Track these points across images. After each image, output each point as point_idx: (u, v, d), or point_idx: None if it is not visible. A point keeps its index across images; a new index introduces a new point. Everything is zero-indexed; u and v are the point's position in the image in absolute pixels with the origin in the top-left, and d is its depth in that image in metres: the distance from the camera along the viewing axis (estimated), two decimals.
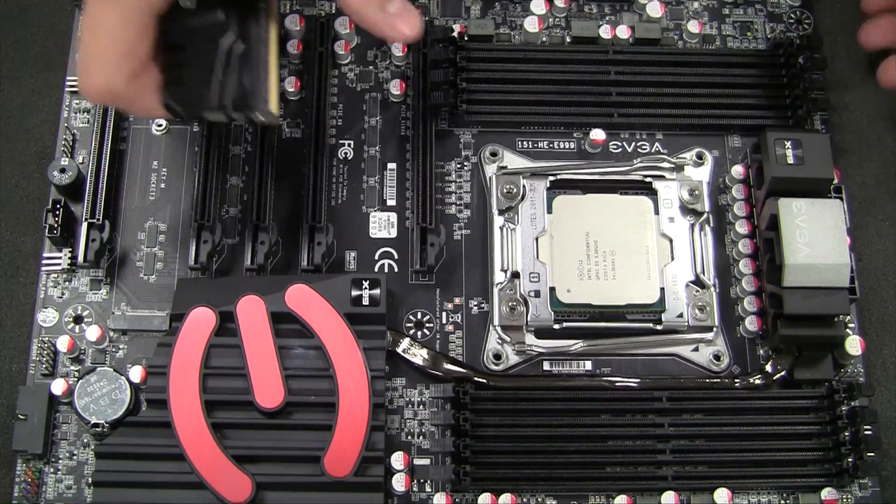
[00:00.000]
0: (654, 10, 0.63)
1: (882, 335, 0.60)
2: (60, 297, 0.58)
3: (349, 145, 0.61)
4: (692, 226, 0.59)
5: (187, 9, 0.49)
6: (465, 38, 0.62)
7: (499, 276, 0.58)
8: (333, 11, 0.63)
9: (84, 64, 0.50)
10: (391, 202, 0.60)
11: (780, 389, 0.57)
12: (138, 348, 0.57)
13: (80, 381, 0.55)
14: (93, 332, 0.56)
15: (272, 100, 0.51)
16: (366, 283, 0.55)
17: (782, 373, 0.57)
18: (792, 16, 0.65)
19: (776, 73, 0.62)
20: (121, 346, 0.57)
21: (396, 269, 0.59)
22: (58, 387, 0.55)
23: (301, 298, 0.54)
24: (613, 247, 0.58)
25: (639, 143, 0.62)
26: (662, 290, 0.57)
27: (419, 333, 0.58)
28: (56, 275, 0.58)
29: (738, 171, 0.61)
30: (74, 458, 0.55)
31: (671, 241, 0.59)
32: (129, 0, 0.48)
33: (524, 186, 0.59)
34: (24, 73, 0.63)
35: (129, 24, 0.48)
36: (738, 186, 0.60)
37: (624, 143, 0.62)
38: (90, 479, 0.54)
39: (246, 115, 0.51)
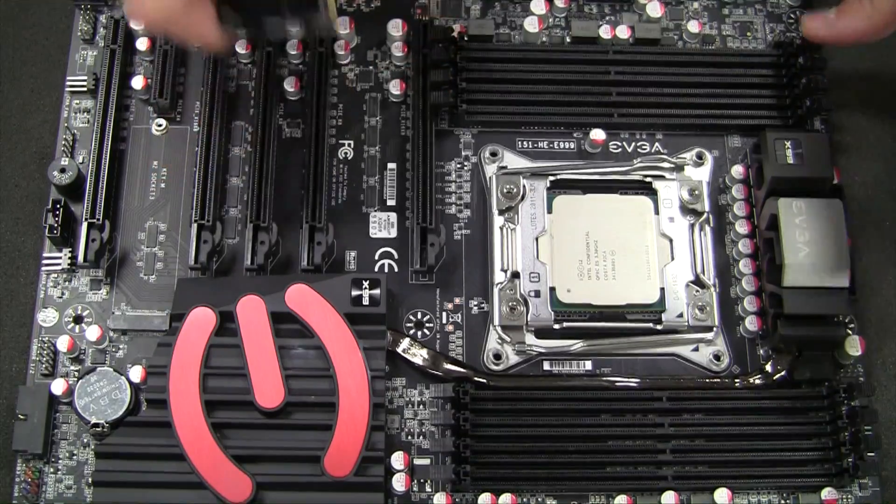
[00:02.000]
0: (654, 10, 0.63)
1: (882, 335, 0.60)
2: (60, 297, 0.58)
3: (349, 145, 0.61)
4: (692, 226, 0.59)
5: None
6: (465, 38, 0.62)
7: (499, 276, 0.58)
8: None
9: None
10: (391, 202, 0.60)
11: (780, 389, 0.57)
12: (138, 348, 0.57)
13: (80, 381, 0.54)
14: (93, 332, 0.56)
15: (330, 2, 0.49)
16: (366, 283, 0.55)
17: (782, 373, 0.57)
18: (792, 16, 0.65)
19: (776, 73, 0.62)
20: (121, 346, 0.57)
21: (396, 269, 0.59)
22: (58, 387, 0.55)
23: (301, 298, 0.54)
24: (613, 247, 0.58)
25: (639, 143, 0.62)
26: (662, 290, 0.57)
27: (419, 333, 0.58)
28: (56, 275, 0.58)
29: (738, 171, 0.61)
30: (74, 458, 0.55)
31: (671, 241, 0.59)
32: None
33: (524, 186, 0.59)
34: (24, 73, 0.63)
35: None
36: (738, 186, 0.60)
37: (624, 143, 0.62)
38: (90, 479, 0.54)
39: (303, 20, 0.49)
